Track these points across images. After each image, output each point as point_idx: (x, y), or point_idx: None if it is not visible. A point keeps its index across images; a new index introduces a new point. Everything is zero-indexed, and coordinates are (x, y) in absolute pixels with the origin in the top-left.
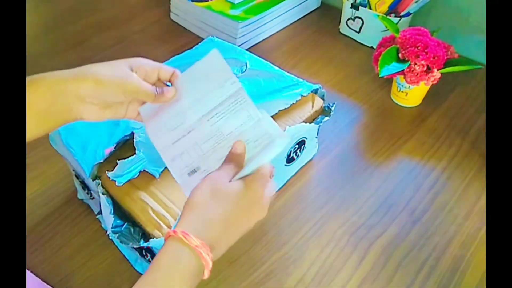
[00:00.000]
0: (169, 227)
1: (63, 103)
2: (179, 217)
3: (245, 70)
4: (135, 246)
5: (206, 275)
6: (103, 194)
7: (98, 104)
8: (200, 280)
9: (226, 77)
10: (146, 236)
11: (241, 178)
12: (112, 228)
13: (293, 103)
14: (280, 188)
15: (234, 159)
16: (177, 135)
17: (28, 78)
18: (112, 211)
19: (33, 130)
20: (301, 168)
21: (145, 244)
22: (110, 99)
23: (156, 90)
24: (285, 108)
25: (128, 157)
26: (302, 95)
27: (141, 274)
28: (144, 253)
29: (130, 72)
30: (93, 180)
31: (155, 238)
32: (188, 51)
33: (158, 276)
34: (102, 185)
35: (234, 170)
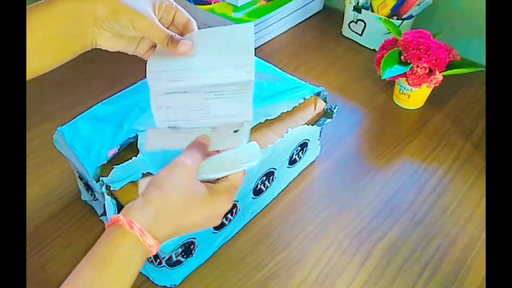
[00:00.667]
0: None
1: (80, 25)
2: (140, 193)
3: None
4: None
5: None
6: (107, 194)
7: (112, 32)
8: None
9: (245, 62)
10: None
11: (214, 183)
12: None
13: (296, 106)
14: (283, 189)
15: (200, 148)
16: (173, 88)
17: (43, 1)
18: (116, 212)
19: (52, 56)
20: (303, 170)
21: None
22: (122, 31)
23: (172, 36)
24: (288, 111)
25: (127, 160)
26: (304, 98)
27: (144, 276)
28: None
29: (149, 8)
30: (96, 182)
31: None
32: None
33: (111, 271)
34: (106, 186)
35: (199, 161)
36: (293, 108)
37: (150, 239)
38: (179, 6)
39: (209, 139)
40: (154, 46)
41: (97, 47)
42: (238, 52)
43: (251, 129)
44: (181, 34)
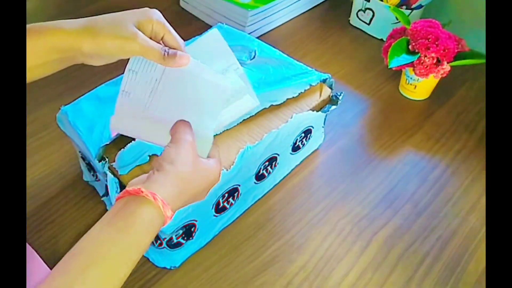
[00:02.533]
0: None
1: (69, 56)
2: (155, 170)
3: (254, 56)
4: None
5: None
6: (110, 173)
7: (104, 58)
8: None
9: (229, 62)
10: None
11: (207, 159)
12: None
13: (301, 92)
14: (285, 176)
15: (189, 125)
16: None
17: (31, 27)
18: (119, 190)
19: (40, 71)
20: (306, 157)
21: None
22: (114, 56)
23: (165, 51)
24: (293, 97)
25: (130, 142)
26: (310, 85)
27: (144, 257)
28: None
29: (134, 32)
30: (99, 161)
31: None
32: (197, 37)
33: (133, 236)
34: (108, 167)
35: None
36: (299, 94)
37: (169, 211)
38: (170, 28)
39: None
40: None
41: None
42: (218, 56)
43: (257, 113)
44: None
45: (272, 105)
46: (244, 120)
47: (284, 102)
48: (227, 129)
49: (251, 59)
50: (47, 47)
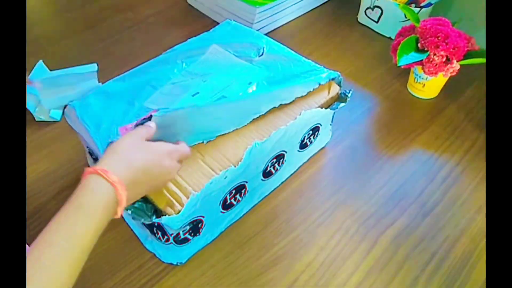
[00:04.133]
0: (182, 205)
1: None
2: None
3: (262, 53)
4: (146, 223)
5: (119, 213)
6: None
7: None
8: (111, 218)
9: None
10: (158, 213)
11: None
12: None
13: (310, 91)
14: (292, 173)
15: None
16: None
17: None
18: None
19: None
20: (314, 155)
21: (157, 220)
22: None
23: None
24: (302, 96)
25: None
26: (319, 83)
27: (150, 252)
28: (155, 231)
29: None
30: None
31: (167, 215)
32: (205, 33)
33: (72, 206)
34: None
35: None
36: (308, 93)
37: (113, 176)
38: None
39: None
40: None
41: None
42: None
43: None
44: None
45: (281, 104)
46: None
47: (293, 101)
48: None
49: (259, 56)
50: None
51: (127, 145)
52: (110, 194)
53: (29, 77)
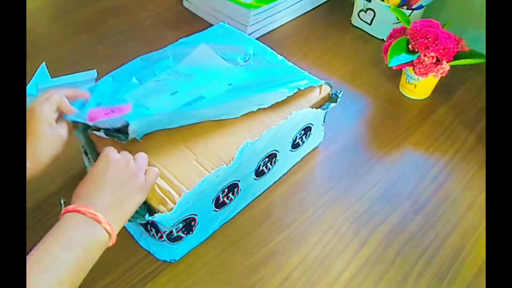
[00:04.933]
0: (174, 202)
1: None
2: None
3: (249, 58)
4: (142, 222)
5: (111, 242)
6: None
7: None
8: (105, 247)
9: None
10: (152, 211)
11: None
12: None
13: (290, 96)
14: (285, 173)
15: None
16: None
17: None
18: None
19: None
20: (306, 154)
21: (150, 218)
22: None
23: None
24: (282, 100)
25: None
26: (299, 89)
27: (144, 250)
28: (149, 228)
29: (56, 136)
30: None
31: (160, 213)
32: (197, 34)
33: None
34: None
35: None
36: (288, 97)
37: (89, 210)
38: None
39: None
40: None
41: None
42: None
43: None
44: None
45: (259, 108)
46: (243, 116)
47: (272, 106)
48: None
49: (245, 61)
50: None
51: (91, 171)
52: (90, 227)
53: (32, 80)
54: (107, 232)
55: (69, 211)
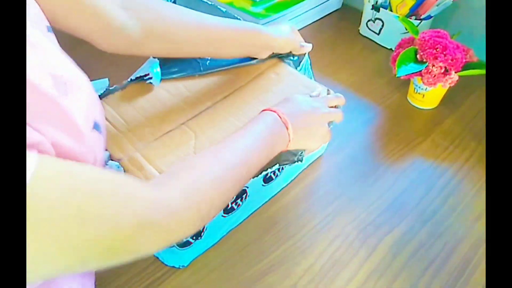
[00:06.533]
0: None
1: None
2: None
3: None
4: None
5: (287, 144)
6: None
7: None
8: (280, 150)
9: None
10: None
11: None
12: None
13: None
14: (292, 179)
15: None
16: None
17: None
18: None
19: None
20: (312, 162)
21: None
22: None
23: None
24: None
25: None
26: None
27: (153, 255)
28: None
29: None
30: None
31: None
32: None
33: (247, 132)
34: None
35: None
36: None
37: (283, 114)
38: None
39: None
40: None
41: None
42: None
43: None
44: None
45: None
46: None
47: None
48: None
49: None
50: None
51: (296, 97)
52: (279, 127)
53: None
54: (289, 138)
55: (267, 110)
